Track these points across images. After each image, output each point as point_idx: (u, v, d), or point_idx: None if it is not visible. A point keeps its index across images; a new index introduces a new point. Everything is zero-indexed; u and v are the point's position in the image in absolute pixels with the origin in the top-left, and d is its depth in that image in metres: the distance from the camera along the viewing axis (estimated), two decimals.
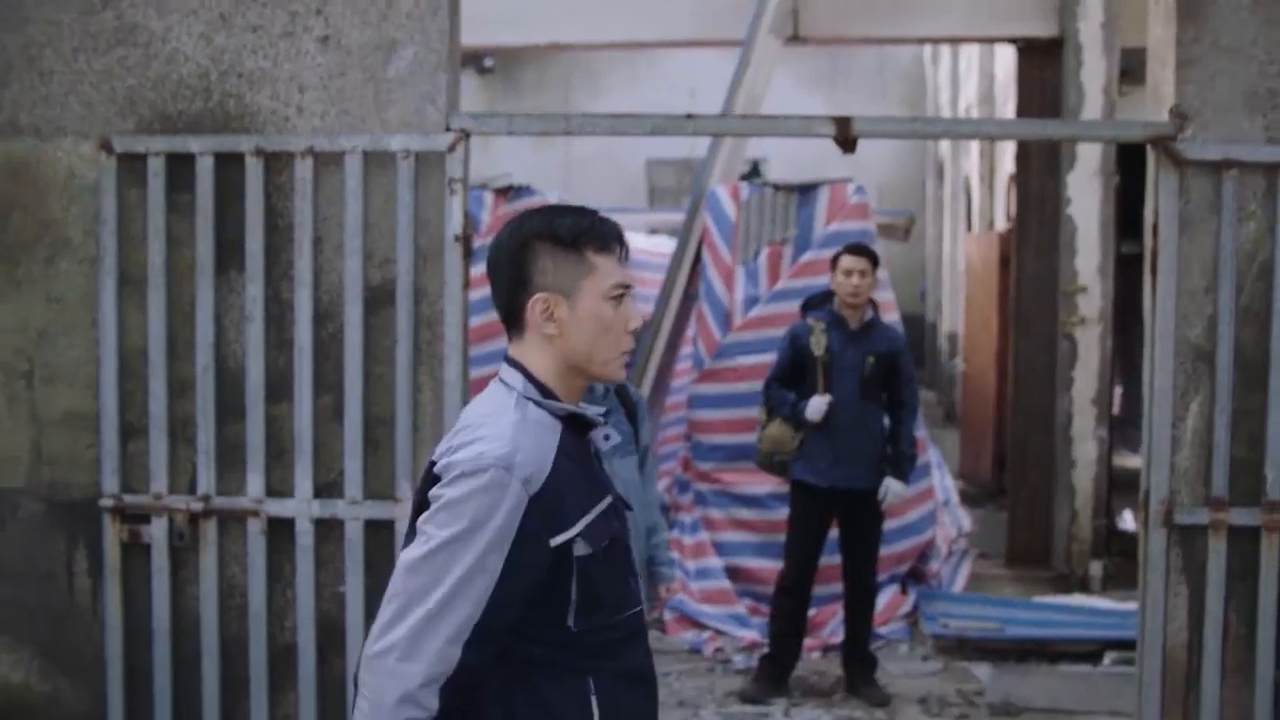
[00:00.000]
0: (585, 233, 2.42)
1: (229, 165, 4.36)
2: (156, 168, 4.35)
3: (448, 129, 4.31)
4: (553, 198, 8.17)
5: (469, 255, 4.34)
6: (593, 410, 2.53)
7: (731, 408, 7.60)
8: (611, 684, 2.42)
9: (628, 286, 2.47)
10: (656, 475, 4.60)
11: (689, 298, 8.25)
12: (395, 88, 4.33)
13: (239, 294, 4.39)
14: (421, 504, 2.37)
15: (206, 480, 4.40)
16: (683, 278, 8.16)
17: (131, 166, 4.39)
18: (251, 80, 4.37)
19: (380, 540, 4.37)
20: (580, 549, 2.36)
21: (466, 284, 4.34)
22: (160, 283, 4.36)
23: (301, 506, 4.38)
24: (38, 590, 4.50)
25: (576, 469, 2.41)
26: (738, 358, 7.62)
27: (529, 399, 2.41)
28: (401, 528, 4.30)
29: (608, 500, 2.47)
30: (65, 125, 4.42)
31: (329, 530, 4.40)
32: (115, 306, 4.38)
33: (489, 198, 8.03)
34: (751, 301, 7.71)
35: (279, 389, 4.39)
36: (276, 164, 4.37)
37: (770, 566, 7.11)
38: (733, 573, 7.63)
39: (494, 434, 2.33)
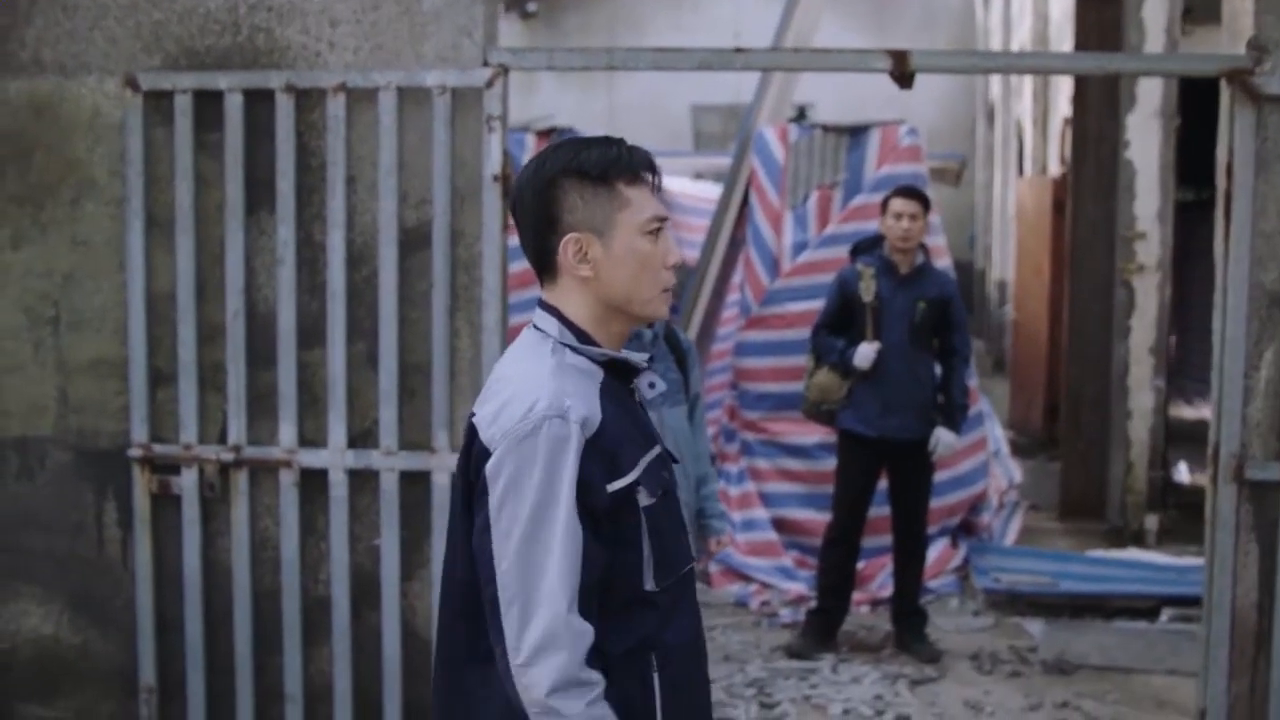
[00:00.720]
0: (614, 164, 2.23)
1: (259, 102, 4.19)
2: (184, 105, 4.19)
3: (485, 64, 4.12)
4: None
5: (508, 196, 4.16)
6: (637, 356, 2.37)
7: (779, 355, 7.41)
8: (669, 659, 2.26)
9: (664, 218, 2.29)
10: (706, 424, 4.42)
11: (735, 243, 8.05)
12: (430, 21, 4.15)
13: (270, 236, 4.24)
14: (469, 479, 2.21)
15: (237, 429, 4.26)
16: (729, 223, 7.96)
17: (158, 104, 4.23)
18: (281, 14, 4.20)
19: (416, 492, 4.23)
20: (644, 497, 2.20)
21: (505, 226, 4.17)
22: (189, 225, 4.21)
23: (335, 457, 4.24)
24: (68, 541, 4.39)
25: (623, 416, 2.25)
26: (785, 304, 7.42)
27: (565, 345, 2.25)
28: (439, 480, 4.16)
29: (657, 450, 2.31)
30: (90, 62, 4.26)
31: (364, 481, 4.26)
32: (143, 250, 4.24)
33: (531, 140, 7.85)
34: (800, 247, 7.50)
35: (311, 335, 4.24)
36: (308, 101, 4.20)
37: (818, 518, 6.94)
38: (779, 524, 7.46)
39: (534, 385, 2.17)
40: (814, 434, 7.15)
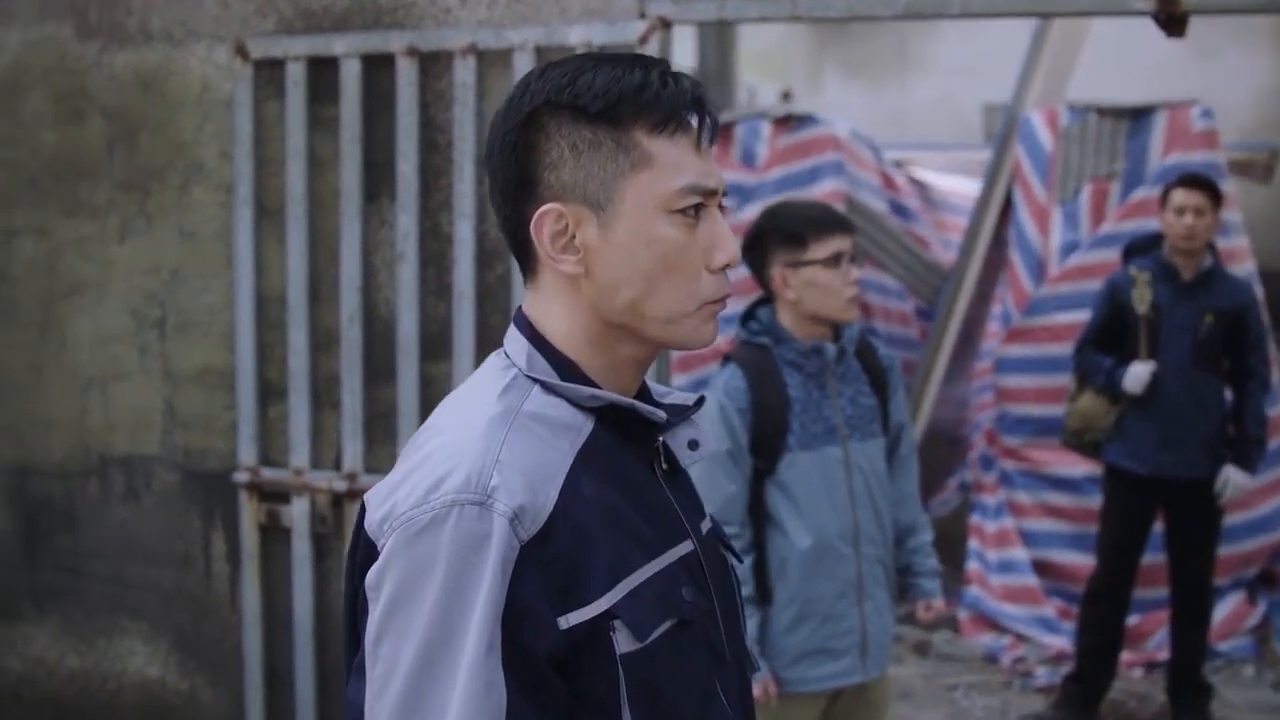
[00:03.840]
0: (631, 97, 1.42)
1: (380, 70, 3.56)
2: (296, 75, 3.59)
3: (642, 16, 3.38)
4: (842, 130, 7.12)
5: None
6: (677, 396, 1.58)
7: (1044, 373, 6.40)
8: None
9: (712, 191, 1.46)
10: (915, 462, 3.55)
11: (998, 245, 7.07)
12: None
13: (391, 227, 3.60)
14: (355, 584, 1.45)
15: (353, 453, 3.63)
16: (990, 221, 6.97)
17: (271, 75, 3.65)
18: None
19: None
20: (624, 640, 1.38)
21: None
22: (301, 214, 3.61)
23: None
24: (175, 574, 3.86)
25: (616, 499, 1.43)
26: (1052, 314, 6.40)
27: (535, 380, 1.46)
28: None
29: (681, 550, 1.49)
30: (199, 28, 3.71)
31: None
32: (252, 243, 3.66)
33: (766, 128, 7.05)
34: (1070, 248, 6.45)
35: (437, 344, 3.58)
36: (435, 67, 3.54)
37: (1085, 563, 5.90)
38: (1041, 567, 6.44)
39: (455, 447, 1.38)
40: (1084, 464, 6.12)
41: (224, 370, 3.74)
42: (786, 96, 17.38)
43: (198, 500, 3.81)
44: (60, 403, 3.89)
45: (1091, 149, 6.38)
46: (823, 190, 6.70)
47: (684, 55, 13.59)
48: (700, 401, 1.61)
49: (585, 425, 1.45)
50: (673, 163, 1.43)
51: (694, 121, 1.46)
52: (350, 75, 3.54)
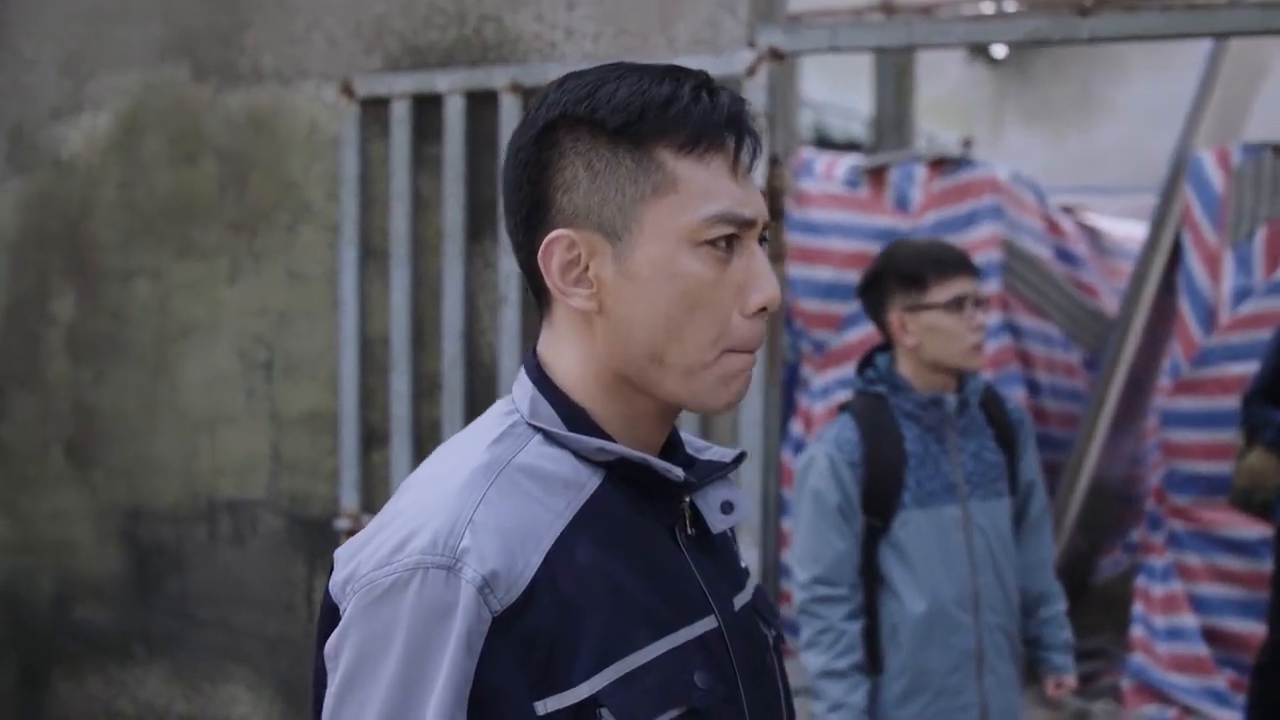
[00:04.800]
0: (656, 112, 1.23)
1: (484, 107, 3.45)
2: (401, 113, 3.50)
3: (750, 46, 3.21)
4: (1001, 173, 6.83)
5: (778, 217, 3.22)
6: (715, 452, 1.40)
7: (1215, 428, 5.98)
8: None
9: (749, 222, 1.27)
10: (1049, 524, 3.27)
11: (1168, 292, 6.67)
12: None
13: (493, 268, 3.48)
14: (319, 650, 1.28)
15: None
16: (1158, 267, 6.59)
17: (377, 114, 3.57)
18: None
19: None
20: None
21: (781, 255, 3.23)
22: (405, 255, 3.52)
23: None
24: (278, 621, 3.78)
25: (619, 567, 1.24)
26: (1224, 365, 5.99)
27: (538, 429, 1.28)
28: None
29: (701, 628, 1.29)
30: (308, 67, 3.66)
31: None
32: (357, 284, 3.58)
33: (922, 172, 6.80)
34: (1243, 294, 6.04)
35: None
36: None
37: (1260, 631, 5.48)
38: (1212, 636, 6.00)
39: (429, 502, 1.22)
40: (1258, 525, 5.70)
41: (328, 414, 3.66)
42: (967, 144, 17.06)
43: (301, 546, 3.73)
44: (171, 445, 3.86)
45: (1267, 189, 5.99)
46: (980, 235, 6.41)
47: (860, 102, 13.39)
48: (740, 458, 1.42)
49: (590, 482, 1.26)
50: (702, 188, 1.24)
51: (731, 142, 1.26)
52: (454, 112, 3.44)
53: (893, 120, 11.83)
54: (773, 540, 3.20)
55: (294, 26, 3.66)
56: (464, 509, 1.19)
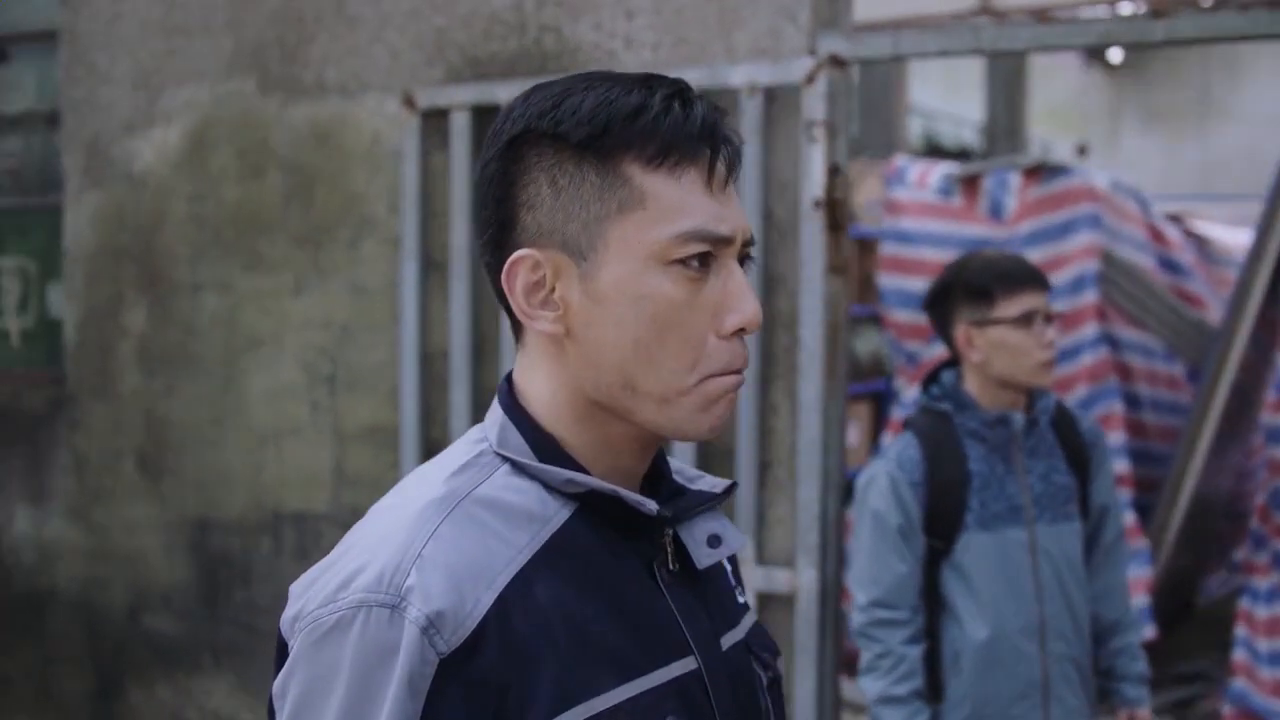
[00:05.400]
0: (621, 123, 1.15)
1: None
2: (461, 124, 3.47)
3: (811, 54, 3.12)
4: (1100, 180, 6.64)
5: (839, 229, 3.13)
6: (707, 481, 1.33)
7: None
8: None
9: (725, 240, 1.18)
10: (1124, 548, 3.13)
11: (1274, 300, 6.43)
12: (745, 4, 3.20)
13: None
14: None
15: None
16: (1264, 276, 6.35)
17: (438, 126, 3.54)
18: (573, 8, 3.40)
19: None
20: None
21: (841, 267, 3.13)
22: (464, 269, 3.48)
23: None
24: None
25: (585, 605, 1.17)
26: None
27: (505, 458, 1.22)
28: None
29: (677, 670, 1.21)
30: (371, 80, 3.64)
31: None
32: (417, 298, 3.55)
33: (1015, 180, 6.63)
34: None
35: None
36: None
37: None
38: None
39: (378, 535, 1.16)
40: None
41: (390, 428, 3.63)
42: (1082, 151, 16.64)
43: None
44: (238, 456, 3.87)
45: None
46: (1076, 244, 6.23)
47: (972, 109, 13.17)
48: (731, 489, 1.34)
49: (558, 515, 1.19)
50: (673, 204, 1.16)
51: (705, 154, 1.18)
52: None
53: (1005, 127, 11.60)
54: (832, 562, 3.11)
55: (357, 39, 3.65)
56: (412, 545, 1.12)
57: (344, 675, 1.09)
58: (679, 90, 1.19)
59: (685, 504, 1.27)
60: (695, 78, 3.19)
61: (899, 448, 2.91)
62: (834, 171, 3.10)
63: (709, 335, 1.18)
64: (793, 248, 3.15)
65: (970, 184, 6.57)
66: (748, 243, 1.21)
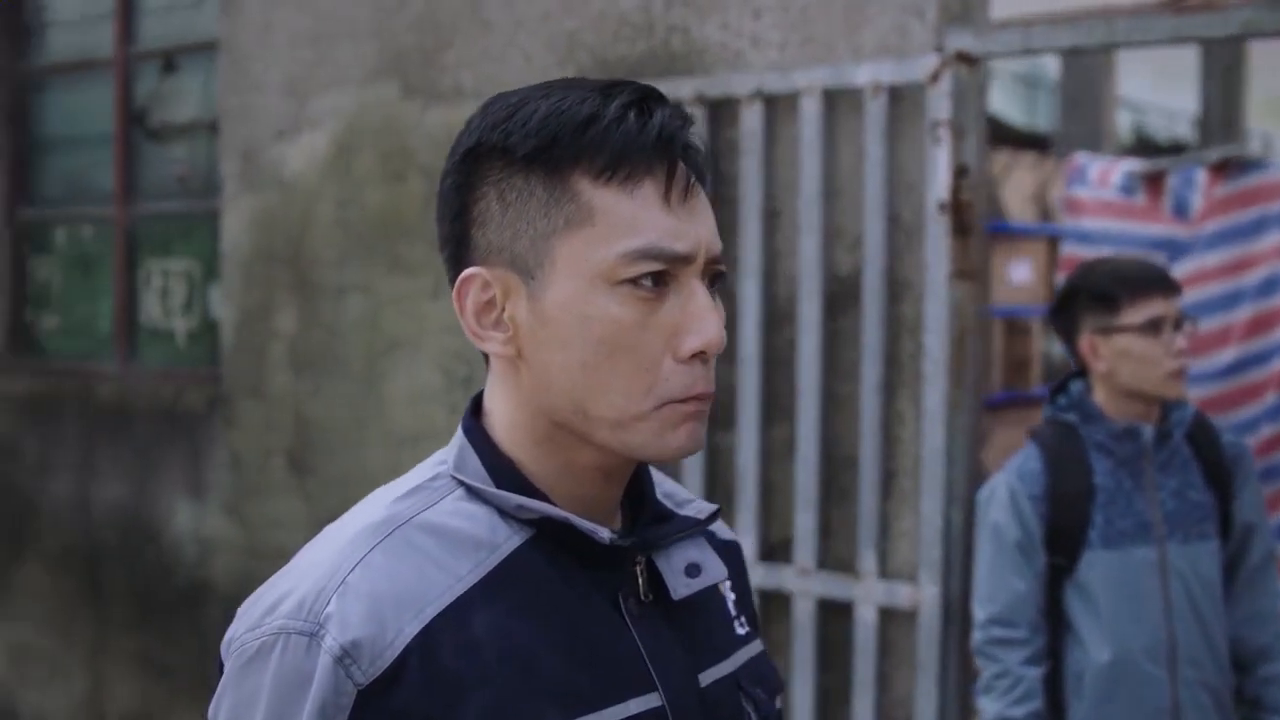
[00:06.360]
0: (569, 135, 1.10)
1: None
2: None
3: (938, 51, 3.01)
4: None
5: (967, 232, 3.01)
6: (695, 506, 1.27)
7: None
8: None
9: (682, 258, 1.11)
10: (1273, 572, 2.94)
11: None
12: (871, 1, 3.11)
13: None
14: None
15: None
16: None
17: None
18: (700, 8, 3.35)
19: (839, 627, 3.18)
20: None
21: (969, 272, 3.02)
22: None
23: None
24: None
25: (530, 637, 1.11)
26: None
27: (461, 482, 1.17)
28: (864, 615, 3.10)
29: (636, 707, 1.13)
30: (505, 83, 3.63)
31: (780, 605, 3.27)
32: None
33: (1202, 176, 6.32)
34: None
35: (725, 413, 3.33)
36: (724, 114, 3.31)
37: None
38: None
39: (311, 559, 1.14)
40: None
41: None
42: None
43: None
44: (379, 458, 3.93)
45: None
46: (1268, 244, 5.91)
47: (1186, 101, 12.63)
48: (715, 515, 1.28)
49: (509, 543, 1.14)
50: (623, 220, 1.09)
51: (661, 167, 1.11)
52: None
53: (1220, 119, 11.07)
54: (957, 578, 2.99)
55: (492, 44, 3.66)
56: (338, 571, 1.09)
57: (263, 702, 1.07)
58: (639, 98, 1.12)
59: (661, 532, 1.20)
60: (820, 77, 3.11)
61: (1020, 460, 2.79)
62: (961, 173, 2.98)
63: (664, 358, 1.11)
64: (918, 252, 3.05)
65: (1154, 182, 6.27)
66: (713, 260, 1.14)
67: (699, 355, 1.12)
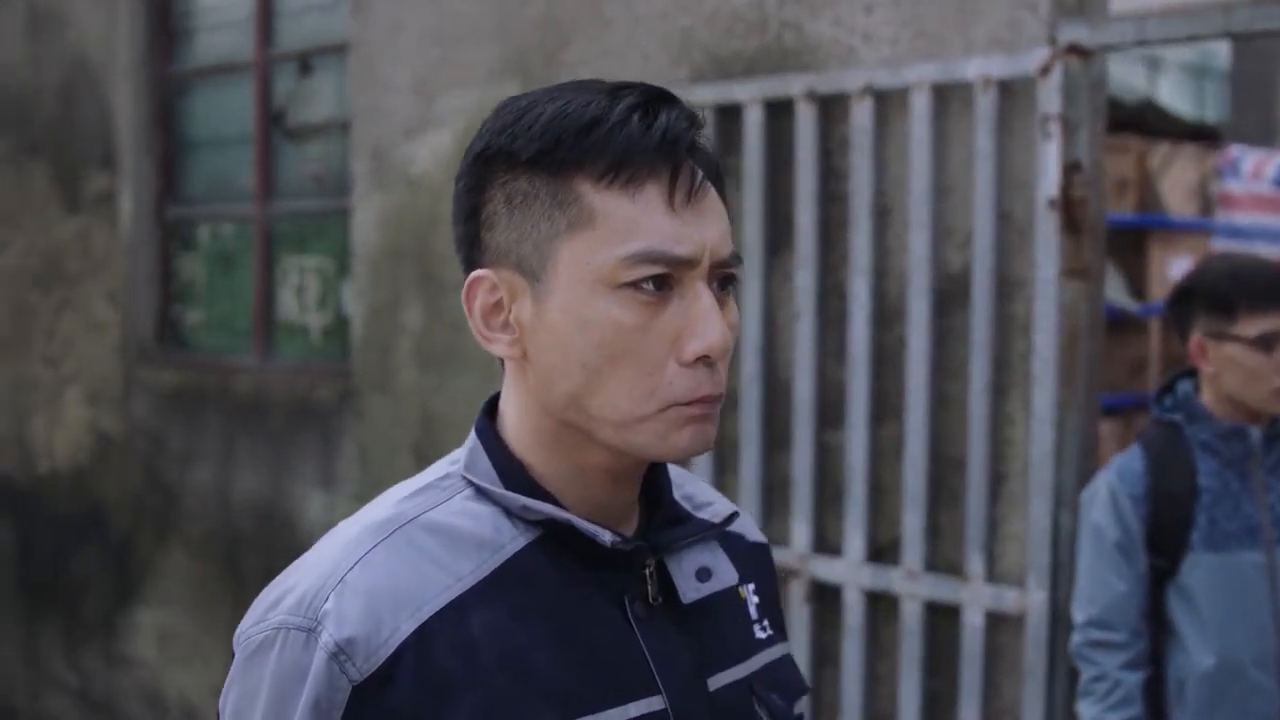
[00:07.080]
0: (572, 138, 1.10)
1: (783, 117, 3.35)
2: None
3: (1051, 43, 2.94)
4: None
5: (1079, 229, 2.94)
6: (713, 510, 1.28)
7: None
8: None
9: (688, 261, 1.10)
10: None
11: None
12: None
13: (792, 283, 3.37)
14: None
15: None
16: None
17: None
18: (812, 4, 3.32)
19: (947, 629, 3.13)
20: None
21: (1081, 270, 2.95)
22: None
23: (850, 572, 3.25)
24: None
25: (530, 639, 1.12)
26: None
27: (471, 482, 1.19)
28: (971, 619, 3.06)
29: (637, 710, 1.14)
30: (624, 79, 3.67)
31: (887, 607, 3.24)
32: None
33: (1248, 163, 6.01)
34: None
35: (834, 411, 3.31)
36: (835, 111, 3.28)
37: None
38: None
39: (316, 556, 1.17)
40: None
41: None
42: None
43: None
44: None
45: None
46: None
47: None
48: (731, 518, 1.28)
49: (514, 544, 1.15)
50: (624, 223, 1.10)
51: (665, 170, 1.11)
52: (753, 123, 3.36)
53: None
54: (1065, 583, 2.92)
55: (610, 42, 3.69)
56: (339, 568, 1.12)
57: (264, 695, 1.10)
58: (645, 100, 1.12)
59: (673, 535, 1.21)
60: (929, 73, 3.07)
61: (1122, 459, 2.73)
62: (1073, 169, 2.91)
63: (668, 362, 1.11)
64: (1028, 250, 2.99)
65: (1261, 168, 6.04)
66: (722, 263, 1.13)
67: (703, 359, 1.12)
